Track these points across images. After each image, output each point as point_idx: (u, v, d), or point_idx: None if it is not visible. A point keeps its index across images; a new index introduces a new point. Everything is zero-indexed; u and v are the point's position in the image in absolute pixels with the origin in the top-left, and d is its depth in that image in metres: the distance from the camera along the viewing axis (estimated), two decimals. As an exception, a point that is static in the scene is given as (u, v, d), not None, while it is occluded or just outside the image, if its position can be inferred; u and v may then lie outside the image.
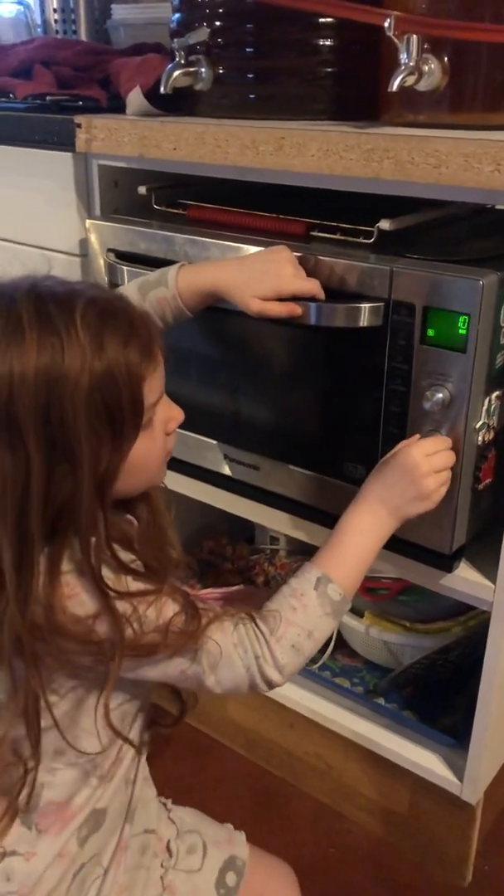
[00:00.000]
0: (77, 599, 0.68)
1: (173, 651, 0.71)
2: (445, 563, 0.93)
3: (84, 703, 0.73)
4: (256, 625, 0.74)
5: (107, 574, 0.69)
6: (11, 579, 0.66)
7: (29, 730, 0.70)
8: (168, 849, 0.81)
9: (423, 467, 0.82)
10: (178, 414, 0.77)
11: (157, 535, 0.79)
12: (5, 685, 0.70)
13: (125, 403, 0.67)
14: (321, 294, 0.88)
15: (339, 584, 0.77)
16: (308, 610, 0.75)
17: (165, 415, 0.75)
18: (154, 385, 0.71)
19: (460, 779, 1.05)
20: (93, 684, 0.72)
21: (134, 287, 0.90)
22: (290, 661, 0.74)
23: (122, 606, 0.68)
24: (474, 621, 1.12)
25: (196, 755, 1.31)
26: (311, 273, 0.89)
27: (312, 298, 0.88)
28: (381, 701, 1.16)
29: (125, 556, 0.71)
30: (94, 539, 0.68)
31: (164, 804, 0.85)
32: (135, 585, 0.70)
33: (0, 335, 0.64)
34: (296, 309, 0.87)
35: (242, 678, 0.73)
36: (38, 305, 0.66)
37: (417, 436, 0.86)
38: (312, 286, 0.88)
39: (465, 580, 0.94)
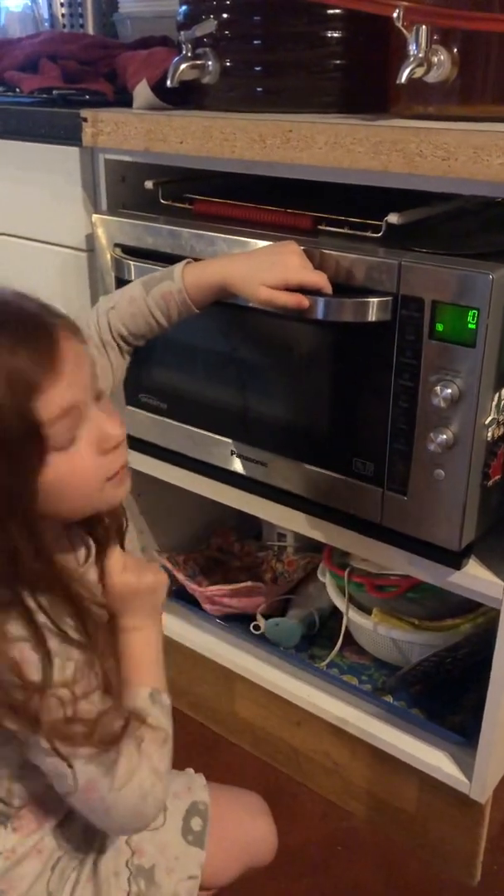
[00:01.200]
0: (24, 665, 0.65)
1: (95, 746, 0.67)
2: (454, 560, 0.93)
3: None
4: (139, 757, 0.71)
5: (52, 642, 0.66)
6: None
7: None
8: None
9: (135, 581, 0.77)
10: (112, 430, 0.68)
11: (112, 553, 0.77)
12: None
13: (10, 419, 0.61)
14: (328, 288, 0.87)
15: (162, 690, 0.76)
16: (162, 724, 0.73)
17: (97, 432, 0.67)
18: (58, 397, 0.63)
19: (469, 777, 1.04)
20: None
21: (139, 284, 0.90)
22: (166, 769, 0.72)
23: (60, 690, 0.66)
24: (483, 619, 1.12)
25: (203, 751, 1.31)
26: (318, 267, 0.89)
27: (320, 292, 0.87)
28: (390, 699, 1.16)
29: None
30: (34, 598, 0.65)
31: None
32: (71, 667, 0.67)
33: None
34: (303, 300, 0.86)
35: (134, 807, 0.70)
36: None
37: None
38: (319, 278, 0.87)
39: (474, 577, 0.93)
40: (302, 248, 0.89)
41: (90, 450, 0.67)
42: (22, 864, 0.75)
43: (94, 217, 1.12)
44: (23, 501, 0.64)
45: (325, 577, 1.23)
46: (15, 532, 0.63)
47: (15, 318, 0.64)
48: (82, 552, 0.76)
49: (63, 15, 1.50)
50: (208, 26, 1.02)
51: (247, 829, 0.90)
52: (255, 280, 0.85)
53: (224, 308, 0.92)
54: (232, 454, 1.09)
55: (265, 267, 0.86)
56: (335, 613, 1.24)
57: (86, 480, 0.68)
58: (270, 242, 0.92)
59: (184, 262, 0.89)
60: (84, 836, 0.78)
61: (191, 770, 0.89)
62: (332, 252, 0.89)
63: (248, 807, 0.92)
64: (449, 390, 0.84)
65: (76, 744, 0.66)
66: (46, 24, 1.53)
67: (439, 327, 0.83)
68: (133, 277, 1.03)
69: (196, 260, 0.90)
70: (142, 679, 0.76)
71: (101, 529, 0.76)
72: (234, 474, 1.10)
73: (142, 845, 0.80)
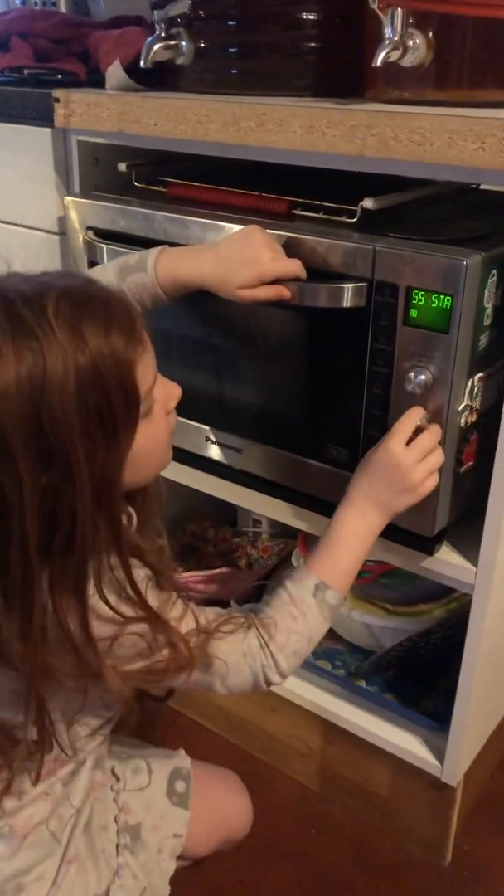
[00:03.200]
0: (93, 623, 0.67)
1: (179, 670, 0.73)
2: (427, 545, 0.93)
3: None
4: (260, 634, 0.77)
5: (124, 595, 0.68)
6: (11, 603, 0.64)
7: (39, 730, 0.72)
8: (114, 773, 0.85)
9: (404, 460, 0.81)
10: (175, 390, 0.75)
11: (150, 525, 0.78)
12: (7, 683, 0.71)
13: (116, 397, 0.64)
14: (303, 274, 0.87)
15: (335, 589, 0.80)
16: (308, 618, 0.79)
17: (164, 394, 0.73)
18: (147, 369, 0.68)
19: (441, 761, 1.05)
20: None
21: (114, 268, 0.89)
22: (291, 665, 0.79)
23: (138, 627, 0.69)
24: (456, 604, 1.13)
25: (178, 737, 1.31)
26: (292, 253, 0.88)
27: (295, 278, 0.86)
28: (363, 684, 1.16)
29: (143, 571, 0.71)
30: (109, 556, 0.67)
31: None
32: (153, 602, 0.71)
33: None
34: (283, 291, 0.86)
35: (248, 684, 0.78)
36: (8, 308, 0.62)
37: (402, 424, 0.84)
38: (294, 266, 0.86)
39: (446, 563, 0.94)
40: (278, 233, 0.88)
41: (161, 412, 0.72)
42: (31, 806, 0.77)
43: (67, 199, 1.10)
44: (109, 480, 0.65)
45: (300, 563, 1.23)
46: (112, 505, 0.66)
47: (98, 299, 0.66)
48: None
49: (35, -8, 1.47)
50: (182, 6, 1.01)
51: (225, 803, 0.93)
52: (230, 283, 0.84)
53: (197, 294, 0.91)
54: (207, 440, 1.08)
55: (236, 268, 0.84)
56: (309, 599, 1.24)
57: (159, 443, 0.73)
58: (243, 227, 0.91)
59: (156, 251, 0.88)
60: (85, 786, 0.81)
61: (170, 749, 0.92)
62: (307, 237, 0.88)
63: (226, 782, 0.95)
64: (423, 377, 0.84)
65: (157, 679, 0.75)
66: (18, 1, 1.50)
67: (413, 313, 0.83)
68: (105, 261, 1.01)
69: (170, 245, 0.89)
70: (320, 567, 0.80)
71: (140, 499, 0.78)
72: (210, 461, 1.09)
73: (129, 803, 0.82)
